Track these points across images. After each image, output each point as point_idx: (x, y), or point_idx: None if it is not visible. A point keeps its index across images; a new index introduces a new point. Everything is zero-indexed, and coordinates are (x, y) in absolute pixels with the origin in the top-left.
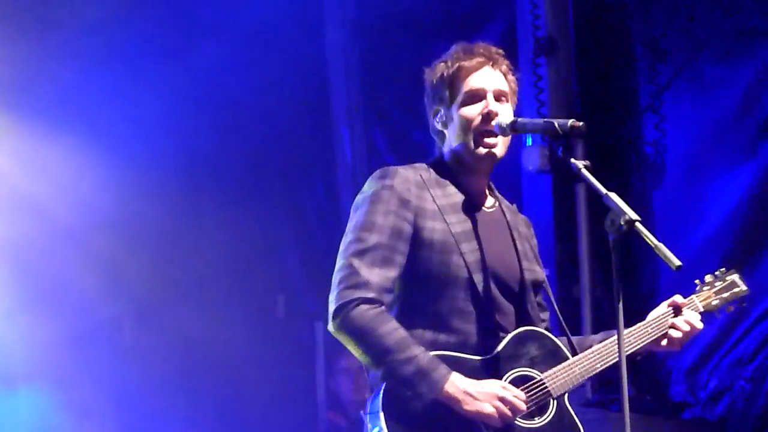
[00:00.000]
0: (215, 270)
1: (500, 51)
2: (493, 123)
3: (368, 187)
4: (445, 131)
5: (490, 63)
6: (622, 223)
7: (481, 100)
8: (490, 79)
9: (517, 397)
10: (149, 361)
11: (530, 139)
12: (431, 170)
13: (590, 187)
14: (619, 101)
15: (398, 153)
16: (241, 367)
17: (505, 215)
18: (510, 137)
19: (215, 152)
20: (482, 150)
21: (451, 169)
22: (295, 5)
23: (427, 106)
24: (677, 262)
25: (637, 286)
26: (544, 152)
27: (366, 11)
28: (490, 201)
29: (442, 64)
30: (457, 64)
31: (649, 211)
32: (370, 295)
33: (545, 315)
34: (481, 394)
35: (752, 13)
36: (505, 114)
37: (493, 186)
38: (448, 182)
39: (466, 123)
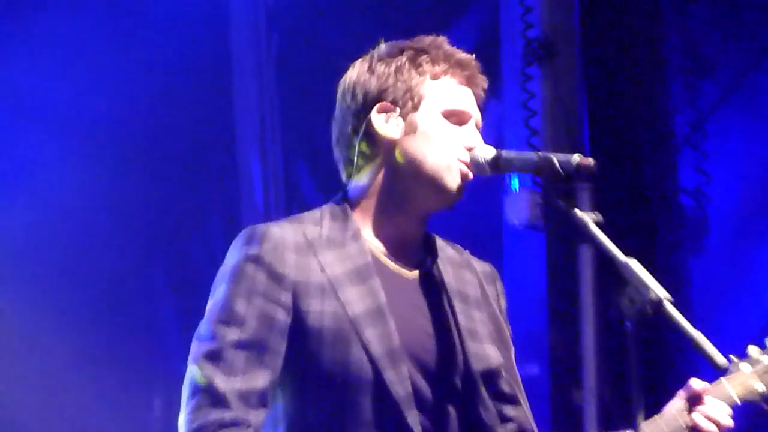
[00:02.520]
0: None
1: (483, 74)
2: (472, 155)
3: (229, 257)
4: (386, 145)
5: (474, 84)
6: (646, 303)
7: (461, 125)
8: (473, 103)
9: None
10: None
11: (517, 181)
12: (325, 221)
13: (600, 251)
14: (645, 131)
15: (329, 193)
16: None
17: (443, 276)
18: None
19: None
20: (458, 182)
21: (369, 212)
22: None
23: (349, 108)
24: (722, 361)
25: (665, 390)
26: (535, 200)
27: None
28: (419, 258)
29: (407, 52)
30: (438, 65)
31: (685, 286)
32: (229, 416)
33: (514, 411)
34: None
35: None
36: (482, 146)
37: (432, 237)
38: (350, 237)
39: (449, 139)
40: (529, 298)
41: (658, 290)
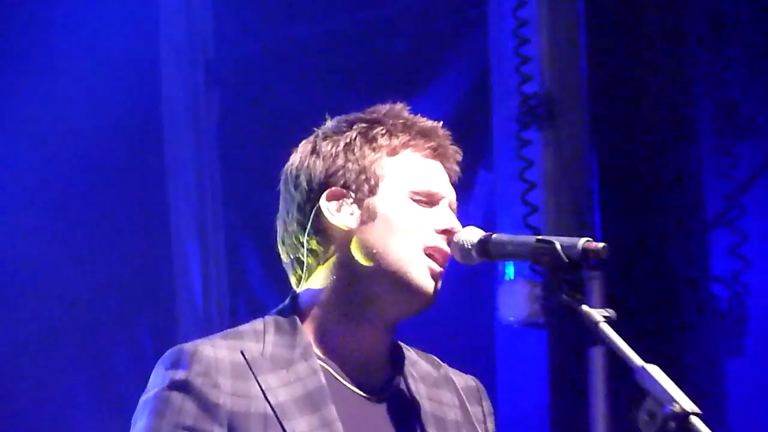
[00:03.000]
0: None
1: (454, 144)
2: (454, 239)
3: (152, 382)
4: (340, 238)
5: (443, 157)
6: (668, 418)
7: (431, 206)
8: (445, 180)
9: None
10: None
11: (512, 269)
12: (269, 336)
13: (614, 355)
14: (670, 209)
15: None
16: None
17: (415, 397)
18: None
19: None
20: (427, 278)
21: (322, 322)
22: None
23: (293, 200)
24: None
25: None
26: (534, 293)
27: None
28: (385, 377)
29: (357, 126)
30: (396, 138)
31: (720, 395)
32: None
33: None
34: None
35: None
36: (466, 229)
37: (400, 349)
38: (299, 355)
39: (415, 224)
40: (527, 411)
41: (684, 402)
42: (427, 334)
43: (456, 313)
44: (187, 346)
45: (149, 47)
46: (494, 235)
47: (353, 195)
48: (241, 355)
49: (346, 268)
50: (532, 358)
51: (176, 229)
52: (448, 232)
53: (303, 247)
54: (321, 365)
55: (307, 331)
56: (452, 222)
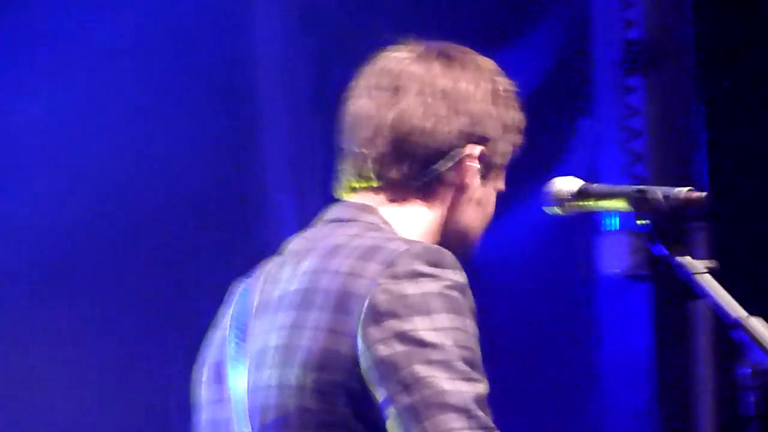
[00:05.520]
0: None
1: None
2: (547, 190)
3: (416, 275)
4: (453, 192)
5: None
6: None
7: None
8: None
9: None
10: None
11: (615, 220)
12: None
13: (717, 310)
14: None
15: None
16: None
17: None
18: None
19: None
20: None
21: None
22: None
23: (456, 114)
24: None
25: None
26: (638, 244)
27: None
28: None
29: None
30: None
31: None
32: None
33: None
34: None
35: None
36: (566, 178)
37: None
38: None
39: (481, 232)
40: (631, 364)
41: None
42: (524, 286)
43: (554, 264)
44: (441, 250)
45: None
46: (594, 185)
47: (489, 170)
48: None
49: (442, 215)
50: (634, 312)
51: (270, 182)
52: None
53: (431, 166)
54: None
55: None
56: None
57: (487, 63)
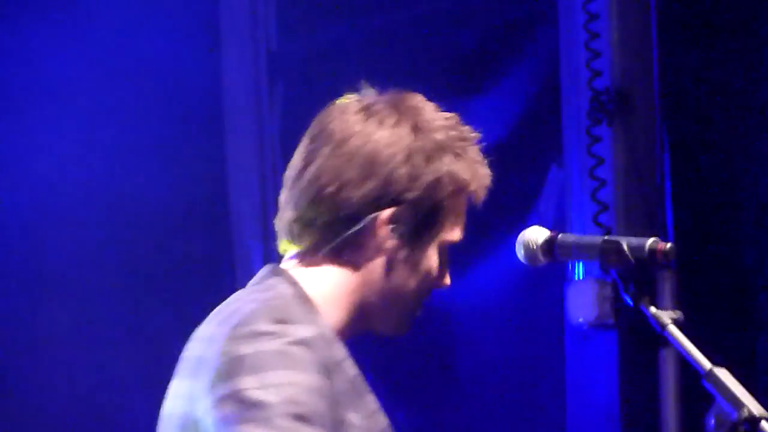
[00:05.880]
0: None
1: None
2: (518, 240)
3: (256, 335)
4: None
5: None
6: (737, 423)
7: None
8: None
9: None
10: None
11: (580, 269)
12: (305, 314)
13: (684, 358)
14: (744, 207)
15: None
16: None
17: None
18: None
19: None
20: (405, 329)
21: (333, 314)
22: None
23: (367, 177)
24: None
25: None
26: (604, 293)
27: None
28: None
29: (460, 143)
30: (473, 172)
31: None
32: None
33: None
34: None
35: None
36: (535, 228)
37: None
38: (331, 337)
39: (431, 287)
40: (597, 412)
41: (754, 407)
42: (494, 335)
43: (524, 315)
44: (286, 307)
45: (210, 40)
46: (560, 235)
47: (411, 228)
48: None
49: (364, 282)
50: (601, 360)
51: (238, 229)
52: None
53: (337, 235)
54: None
55: (324, 318)
56: (448, 279)
57: (417, 114)
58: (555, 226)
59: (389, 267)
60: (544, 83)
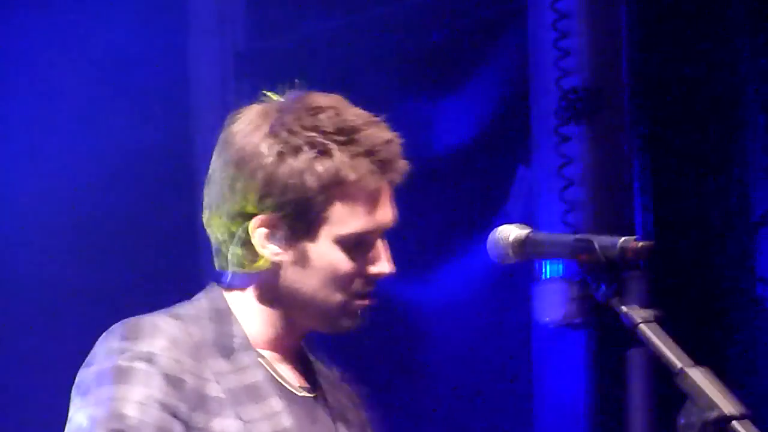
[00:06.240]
0: None
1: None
2: (490, 238)
3: (101, 354)
4: (281, 259)
5: (395, 174)
6: (710, 422)
7: (369, 249)
8: (388, 207)
9: None
10: None
11: (548, 268)
12: (207, 321)
13: (657, 358)
14: (715, 206)
15: None
16: None
17: (326, 396)
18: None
19: None
20: (356, 321)
21: (251, 319)
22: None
23: (236, 189)
24: None
25: None
26: (572, 292)
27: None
28: (304, 376)
29: (334, 143)
30: (363, 172)
31: (764, 398)
32: None
33: None
34: None
35: None
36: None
37: (305, 351)
38: (240, 346)
39: (349, 279)
40: (564, 413)
41: (725, 407)
42: (461, 335)
43: (492, 313)
44: (146, 318)
45: (178, 40)
46: (531, 233)
47: (288, 231)
48: (189, 336)
49: (271, 290)
50: (569, 361)
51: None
52: (381, 275)
53: (229, 242)
54: (258, 359)
55: (240, 324)
56: (387, 265)
57: (278, 118)
58: (526, 226)
59: (284, 271)
60: (514, 82)
